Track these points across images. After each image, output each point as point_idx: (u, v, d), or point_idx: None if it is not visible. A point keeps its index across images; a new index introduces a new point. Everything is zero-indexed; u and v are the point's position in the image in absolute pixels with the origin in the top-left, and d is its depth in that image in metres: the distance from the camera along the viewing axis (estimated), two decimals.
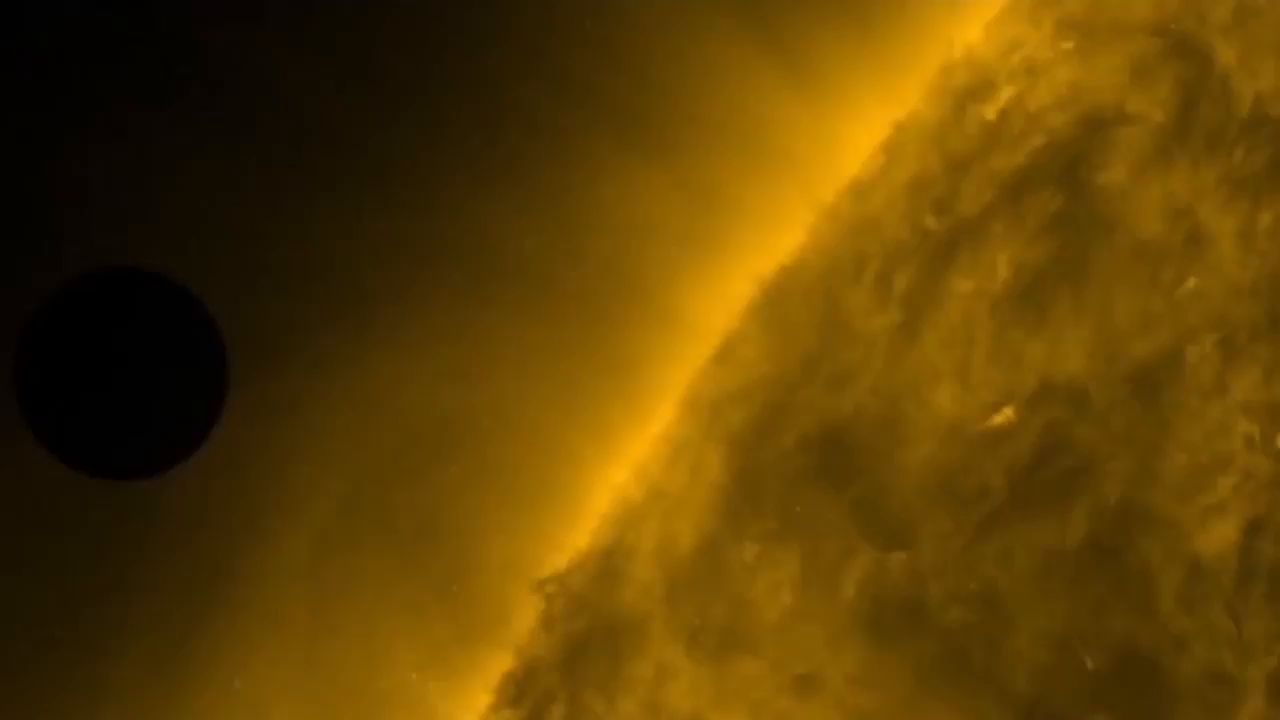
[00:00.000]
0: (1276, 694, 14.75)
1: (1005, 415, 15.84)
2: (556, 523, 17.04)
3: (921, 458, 16.08)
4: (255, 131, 16.15)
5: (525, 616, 16.92)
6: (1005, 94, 16.71)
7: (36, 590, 16.19)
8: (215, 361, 11.30)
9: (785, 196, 17.00)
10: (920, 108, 16.88)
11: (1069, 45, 16.64)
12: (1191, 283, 15.63)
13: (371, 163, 16.39)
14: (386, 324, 16.53)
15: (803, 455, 16.53)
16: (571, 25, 16.46)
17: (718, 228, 17.08)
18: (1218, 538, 15.04)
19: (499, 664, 16.89)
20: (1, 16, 15.71)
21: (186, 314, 11.32)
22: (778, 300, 17.01)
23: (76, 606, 16.27)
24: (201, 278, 16.03)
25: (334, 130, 16.26)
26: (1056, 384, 15.81)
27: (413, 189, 16.47)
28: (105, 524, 16.26)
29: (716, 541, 16.61)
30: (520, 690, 16.79)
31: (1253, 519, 14.99)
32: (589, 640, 16.76)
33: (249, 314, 16.23)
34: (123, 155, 15.90)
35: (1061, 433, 15.71)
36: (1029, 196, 16.31)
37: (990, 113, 16.69)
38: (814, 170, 17.00)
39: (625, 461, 17.09)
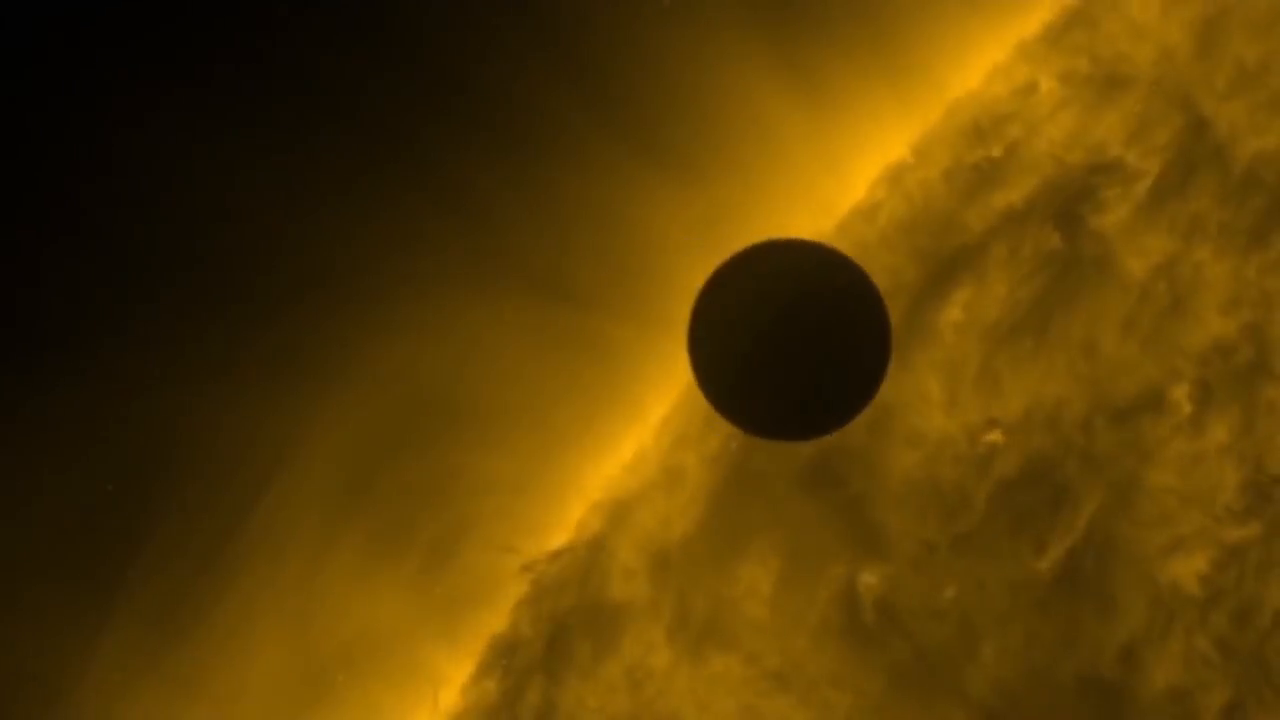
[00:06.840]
0: None
1: (993, 438, 16.49)
2: (548, 508, 17.51)
3: (906, 472, 16.70)
4: (273, 119, 16.51)
5: (512, 594, 17.38)
6: (1009, 134, 17.34)
7: (39, 533, 16.51)
8: (879, 330, 11.54)
9: (791, 214, 17.50)
10: (928, 140, 17.48)
11: (1073, 94, 17.30)
12: (1177, 327, 16.36)
13: (394, 157, 16.78)
14: (397, 311, 16.95)
15: (791, 460, 17.08)
16: (601, 40, 16.90)
17: (723, 239, 17.51)
18: (1185, 569, 15.79)
19: (483, 637, 17.33)
20: None
21: (853, 282, 11.57)
22: None
23: (78, 554, 16.60)
24: (209, 263, 16.48)
25: (356, 125, 16.64)
26: (1041, 414, 16.49)
27: (433, 188, 16.87)
28: (113, 475, 16.65)
29: (702, 537, 17.13)
30: (503, 664, 17.22)
31: (1220, 553, 15.74)
32: (572, 622, 17.22)
33: (263, 296, 16.74)
34: (138, 139, 16.21)
35: (1042, 460, 16.39)
36: (1026, 233, 16.97)
37: (994, 151, 17.31)
38: (821, 192, 17.54)
39: (620, 455, 17.58)
